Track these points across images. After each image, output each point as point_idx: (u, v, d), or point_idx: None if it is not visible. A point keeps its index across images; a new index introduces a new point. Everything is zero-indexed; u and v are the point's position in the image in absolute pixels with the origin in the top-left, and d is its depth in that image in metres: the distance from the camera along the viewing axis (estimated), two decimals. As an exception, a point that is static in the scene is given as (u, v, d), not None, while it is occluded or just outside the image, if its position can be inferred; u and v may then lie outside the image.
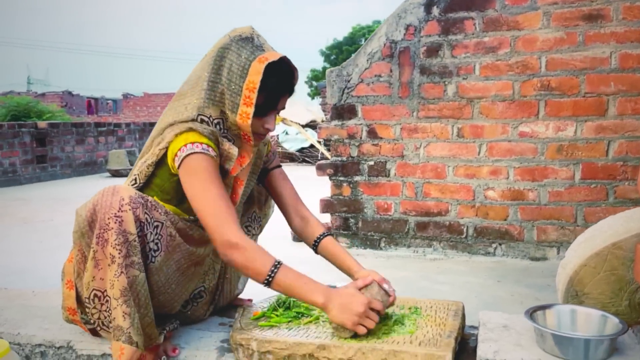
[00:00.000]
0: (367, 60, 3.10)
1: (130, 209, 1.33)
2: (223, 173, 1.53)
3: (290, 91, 1.53)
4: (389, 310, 1.58)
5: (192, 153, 1.39)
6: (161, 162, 1.47)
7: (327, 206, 3.27)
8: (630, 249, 1.46)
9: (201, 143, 1.41)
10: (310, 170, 8.08)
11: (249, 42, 1.47)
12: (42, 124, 7.64)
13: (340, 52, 37.59)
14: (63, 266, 1.55)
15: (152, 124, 10.55)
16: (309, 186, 6.24)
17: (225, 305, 1.79)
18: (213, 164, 1.42)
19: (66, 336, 1.61)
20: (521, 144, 2.87)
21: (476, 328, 1.60)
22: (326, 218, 3.50)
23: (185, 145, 1.40)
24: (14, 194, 6.35)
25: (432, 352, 1.29)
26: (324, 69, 38.62)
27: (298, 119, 10.25)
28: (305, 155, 9.96)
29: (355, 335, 1.38)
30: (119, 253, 1.30)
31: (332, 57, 38.35)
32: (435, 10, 2.95)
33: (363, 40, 36.76)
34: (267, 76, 1.43)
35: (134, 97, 27.01)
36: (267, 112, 1.49)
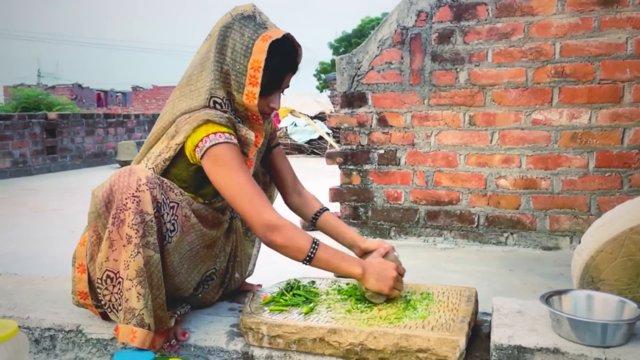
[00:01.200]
0: (378, 47, 3.06)
1: (147, 189, 1.32)
2: None
3: (294, 69, 1.51)
4: (403, 293, 1.57)
5: (216, 144, 1.38)
6: (178, 154, 1.45)
7: (336, 195, 3.25)
8: (649, 234, 1.42)
9: (223, 132, 1.40)
10: (318, 161, 8.06)
11: (251, 20, 1.45)
12: (52, 114, 7.67)
13: (350, 45, 37.44)
14: (74, 250, 1.54)
15: (161, 116, 10.54)
16: (318, 177, 6.24)
17: (235, 290, 1.78)
18: (238, 152, 1.42)
19: (75, 320, 1.60)
20: (534, 131, 2.82)
21: (489, 315, 1.57)
22: (336, 207, 3.48)
23: (207, 136, 1.39)
24: (25, 184, 6.39)
25: (445, 336, 1.27)
26: (333, 61, 38.53)
27: (307, 110, 10.22)
28: (313, 147, 9.93)
29: (372, 319, 1.40)
30: (136, 233, 1.29)
31: (341, 50, 38.23)
32: (447, -4, 2.91)
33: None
34: (270, 55, 1.42)
35: (143, 90, 27.09)
36: (272, 91, 1.48)
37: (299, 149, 10.01)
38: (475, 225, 2.98)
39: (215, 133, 1.39)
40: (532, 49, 2.78)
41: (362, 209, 3.20)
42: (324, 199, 3.33)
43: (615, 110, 2.67)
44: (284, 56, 1.45)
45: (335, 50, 38.70)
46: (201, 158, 1.40)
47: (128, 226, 1.30)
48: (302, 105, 10.29)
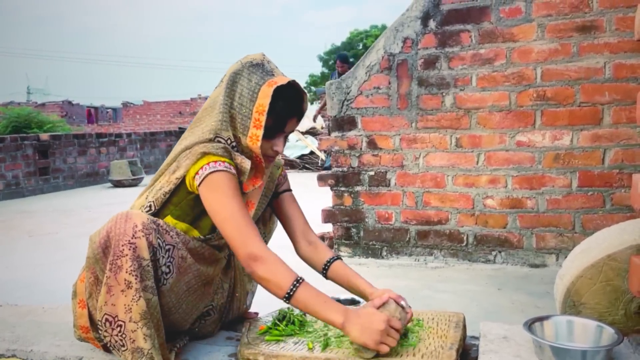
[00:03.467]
0: (366, 73, 3.16)
1: (143, 235, 1.37)
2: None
3: (298, 114, 1.58)
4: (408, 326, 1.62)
5: (214, 171, 1.44)
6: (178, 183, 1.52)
7: (328, 216, 3.32)
8: (625, 261, 1.50)
9: (223, 161, 1.47)
10: (310, 177, 8.13)
11: (259, 67, 1.53)
12: (44, 136, 7.70)
13: (339, 57, 37.74)
14: (74, 285, 1.59)
15: (153, 134, 10.61)
16: (309, 193, 6.30)
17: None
18: (234, 181, 1.47)
19: (78, 352, 1.65)
20: (519, 153, 2.92)
21: (477, 338, 1.64)
22: (328, 228, 3.55)
23: (207, 164, 1.45)
24: (18, 206, 6.40)
25: (434, 364, 1.33)
26: (323, 74, 38.77)
27: (298, 127, 10.27)
28: (305, 162, 10.01)
29: (378, 355, 1.37)
30: (135, 279, 1.34)
31: (330, 62, 38.50)
32: (432, 24, 3.01)
33: (361, 45, 36.87)
34: (276, 100, 1.49)
35: (133, 106, 27.08)
36: (276, 134, 1.54)
37: (290, 165, 10.08)
38: (464, 244, 3.06)
39: (215, 162, 1.46)
40: (515, 73, 2.89)
41: (354, 230, 3.27)
42: (316, 215, 3.39)
43: (596, 132, 2.77)
44: (288, 101, 1.52)
45: (325, 63, 38.99)
46: (199, 185, 1.46)
47: (126, 272, 1.34)
48: (293, 120, 10.33)
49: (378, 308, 1.43)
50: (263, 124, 1.48)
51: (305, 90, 1.59)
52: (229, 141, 1.52)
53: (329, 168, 6.91)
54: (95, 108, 32.57)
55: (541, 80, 2.85)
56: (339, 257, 1.69)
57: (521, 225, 2.95)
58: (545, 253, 2.92)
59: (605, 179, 2.78)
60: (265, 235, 1.88)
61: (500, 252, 3.00)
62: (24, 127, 14.50)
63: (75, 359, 1.64)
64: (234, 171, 1.47)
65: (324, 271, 1.68)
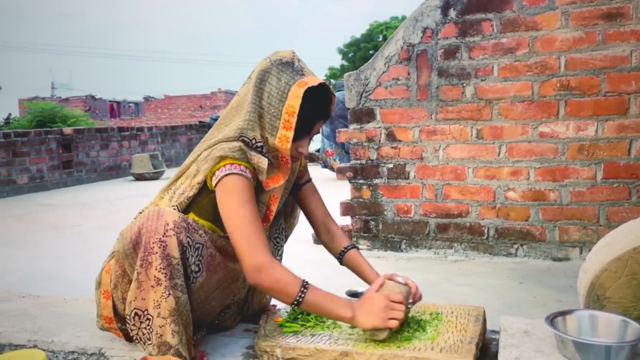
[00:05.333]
0: (385, 64, 3.12)
1: (174, 234, 1.38)
2: (258, 188, 1.58)
3: (326, 117, 1.56)
4: (413, 313, 1.61)
5: (230, 174, 1.43)
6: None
7: (347, 209, 3.30)
8: (651, 254, 1.46)
9: (239, 164, 1.45)
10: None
11: (289, 66, 1.50)
12: (67, 130, 7.81)
13: (358, 50, 37.50)
14: (99, 276, 1.60)
15: (174, 128, 10.70)
16: (329, 185, 6.29)
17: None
18: (249, 186, 1.45)
19: (97, 343, 1.67)
20: (541, 144, 2.86)
21: (498, 332, 1.61)
22: (347, 220, 3.53)
23: (224, 165, 1.44)
24: (42, 199, 6.52)
25: (453, 358, 1.31)
26: (342, 67, 38.59)
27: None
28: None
29: (384, 341, 1.41)
30: (165, 276, 1.36)
31: (350, 55, 38.29)
32: (452, 13, 2.96)
33: (381, 37, 36.60)
34: (304, 101, 1.46)
35: (155, 100, 27.35)
36: (302, 136, 1.53)
37: (309, 158, 10.07)
38: (485, 237, 3.01)
39: (231, 164, 1.44)
40: (537, 63, 2.82)
41: (372, 223, 3.25)
42: (333, 209, 3.37)
43: (622, 122, 2.70)
44: (317, 103, 1.50)
45: (344, 56, 38.78)
46: (215, 185, 1.46)
47: (156, 269, 1.36)
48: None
49: (377, 291, 1.47)
50: (294, 125, 1.46)
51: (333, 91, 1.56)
52: (253, 141, 1.50)
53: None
54: (118, 102, 32.98)
55: (565, 70, 2.78)
56: (354, 246, 1.75)
57: (544, 218, 2.89)
58: (568, 246, 2.87)
59: (631, 170, 2.71)
60: (286, 230, 1.88)
61: (522, 245, 2.95)
62: (49, 121, 14.77)
63: (95, 349, 1.65)
64: (249, 175, 1.46)
65: (340, 258, 1.75)
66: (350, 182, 3.29)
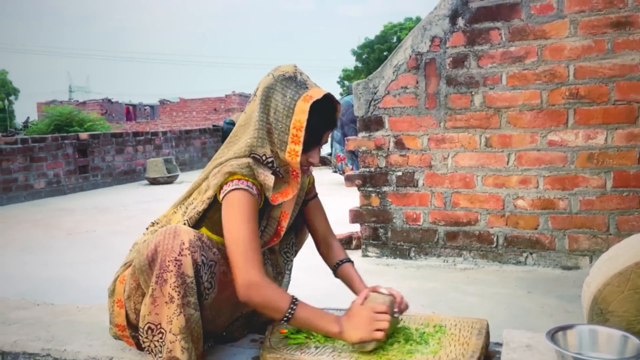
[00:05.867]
0: (393, 72, 3.14)
1: (189, 253, 1.42)
2: (269, 204, 1.62)
3: (332, 126, 1.60)
4: (417, 325, 1.63)
5: (236, 188, 1.48)
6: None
7: (356, 216, 3.32)
8: (654, 269, 1.46)
9: (247, 180, 1.50)
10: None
11: (292, 81, 1.54)
12: (83, 135, 7.94)
13: (372, 51, 37.52)
14: (112, 284, 1.65)
15: (188, 132, 10.80)
16: (340, 190, 6.31)
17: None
18: (253, 203, 1.49)
19: (109, 352, 1.71)
20: (550, 152, 2.86)
21: (501, 345, 1.63)
22: (356, 228, 3.56)
23: (232, 180, 1.49)
24: (59, 204, 6.63)
25: (453, 373, 1.33)
26: (356, 68, 38.59)
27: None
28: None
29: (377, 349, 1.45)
30: (178, 294, 1.40)
31: (364, 56, 38.31)
32: (460, 22, 2.97)
33: (395, 38, 36.52)
34: (311, 114, 1.50)
35: (170, 103, 27.62)
36: (312, 147, 1.57)
37: (322, 161, 10.11)
38: (494, 245, 3.01)
39: (239, 179, 1.49)
40: (546, 71, 2.82)
41: (381, 230, 3.26)
42: (343, 215, 3.40)
43: (631, 131, 2.69)
44: (324, 114, 1.54)
45: (358, 57, 38.79)
46: (222, 199, 1.50)
47: (170, 287, 1.40)
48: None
49: (362, 304, 1.51)
50: (302, 139, 1.50)
51: (338, 100, 1.60)
52: (264, 157, 1.55)
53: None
54: (134, 106, 33.35)
55: (574, 78, 2.78)
56: (349, 260, 1.81)
57: (553, 227, 2.89)
58: (578, 255, 2.86)
59: (641, 180, 2.69)
60: (297, 245, 1.92)
61: (531, 253, 2.94)
62: (66, 125, 15.01)
63: (106, 358, 1.70)
64: (255, 192, 1.50)
65: (334, 270, 1.80)
66: (359, 190, 3.31)
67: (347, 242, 3.56)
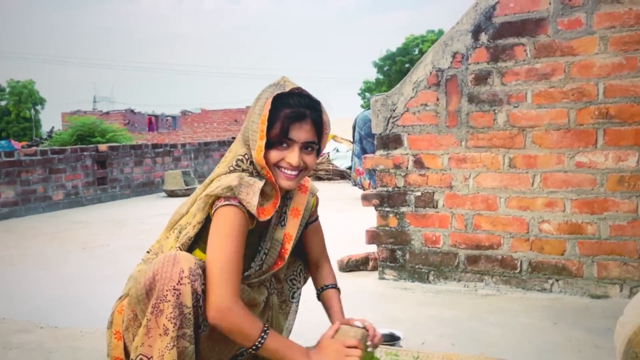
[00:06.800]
0: (413, 89, 3.03)
1: (189, 282, 1.35)
2: (269, 225, 1.57)
3: (312, 119, 1.50)
4: None
5: (227, 204, 1.43)
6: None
7: (373, 237, 3.21)
8: (698, 313, 1.32)
9: (235, 197, 1.44)
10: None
11: (273, 85, 1.53)
12: (102, 147, 7.96)
13: (394, 63, 37.41)
14: (111, 315, 1.58)
15: (207, 144, 10.80)
16: (358, 205, 6.18)
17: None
18: (241, 220, 1.44)
19: (107, 386, 1.63)
20: (578, 174, 2.71)
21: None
22: (372, 248, 3.44)
23: (224, 197, 1.44)
24: (76, 215, 6.63)
25: None
26: (377, 80, 38.51)
27: (349, 136, 10.21)
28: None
29: None
30: (174, 326, 1.33)
31: (385, 69, 38.20)
32: (484, 37, 2.86)
33: (417, 50, 36.38)
34: (278, 107, 1.47)
35: (191, 114, 27.84)
36: (285, 143, 1.49)
37: (341, 175, 10.01)
38: (517, 271, 2.87)
39: (230, 197, 1.44)
40: (574, 89, 2.69)
41: (399, 252, 3.14)
42: (361, 231, 3.29)
43: (666, 153, 2.54)
44: (290, 106, 1.48)
45: (380, 69, 38.70)
46: (212, 215, 1.46)
47: (166, 318, 1.33)
48: (344, 130, 10.30)
49: (332, 337, 1.47)
50: (264, 133, 1.46)
51: (315, 98, 1.54)
52: (245, 156, 1.53)
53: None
54: (156, 116, 33.72)
55: (604, 97, 2.64)
56: (334, 287, 1.75)
57: (581, 253, 2.74)
58: (607, 283, 2.70)
59: (676, 205, 2.53)
60: (305, 272, 1.88)
61: (557, 280, 2.79)
62: (88, 135, 15.16)
63: (104, 391, 1.62)
64: (244, 209, 1.45)
65: (318, 293, 1.76)
66: (376, 210, 3.20)
67: (364, 263, 3.44)
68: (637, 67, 2.57)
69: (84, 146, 7.81)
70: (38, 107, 46.24)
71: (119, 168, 8.11)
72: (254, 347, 1.37)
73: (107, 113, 29.17)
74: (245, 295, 1.52)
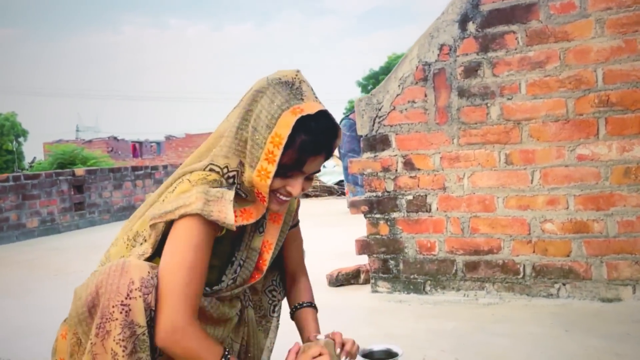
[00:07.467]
0: (399, 86, 2.84)
1: (140, 295, 1.11)
2: (250, 233, 1.35)
3: (327, 152, 1.24)
4: None
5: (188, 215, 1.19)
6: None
7: (363, 247, 2.97)
8: None
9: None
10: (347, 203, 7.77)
11: (287, 87, 1.22)
12: (79, 171, 7.68)
13: (377, 82, 37.62)
14: (55, 341, 1.34)
15: (190, 165, 10.53)
16: (346, 221, 5.96)
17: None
18: (205, 227, 1.19)
19: None
20: (580, 168, 2.51)
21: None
22: (364, 261, 3.21)
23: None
24: (52, 242, 6.32)
25: None
26: (361, 99, 38.64)
27: (335, 152, 10.03)
28: (343, 189, 9.69)
29: None
30: (124, 350, 1.09)
31: (369, 87, 38.43)
32: (471, 27, 2.67)
33: (399, 68, 36.66)
34: (298, 131, 1.17)
35: (175, 139, 27.61)
36: (291, 174, 1.23)
37: (328, 191, 9.80)
38: (521, 276, 2.65)
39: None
40: (571, 77, 2.51)
41: (392, 262, 2.91)
42: (351, 246, 3.06)
43: (674, 140, 2.35)
44: (314, 135, 1.19)
45: (364, 88, 38.91)
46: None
47: (114, 340, 1.09)
48: (330, 146, 10.10)
49: (298, 356, 1.27)
50: (277, 159, 1.17)
51: (338, 123, 1.26)
52: (225, 169, 1.24)
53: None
54: (140, 143, 33.39)
55: (603, 84, 2.46)
56: (310, 305, 1.52)
57: (588, 253, 2.52)
58: (619, 285, 2.48)
59: (689, 195, 2.34)
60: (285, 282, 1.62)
61: (564, 284, 2.57)
62: (69, 163, 14.86)
63: None
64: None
65: (292, 311, 1.53)
66: (365, 217, 2.97)
67: (355, 276, 3.20)
68: (638, 50, 2.39)
69: (60, 170, 7.52)
70: (20, 140, 45.71)
71: (98, 192, 7.81)
72: None
73: (90, 141, 28.83)
74: (213, 309, 1.28)
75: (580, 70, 2.49)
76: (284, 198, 1.27)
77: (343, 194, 9.63)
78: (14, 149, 43.67)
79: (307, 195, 9.72)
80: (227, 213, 1.18)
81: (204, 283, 1.20)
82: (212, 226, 1.20)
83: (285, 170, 1.21)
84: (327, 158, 1.27)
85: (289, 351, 1.28)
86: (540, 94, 2.56)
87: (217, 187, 1.22)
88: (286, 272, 1.56)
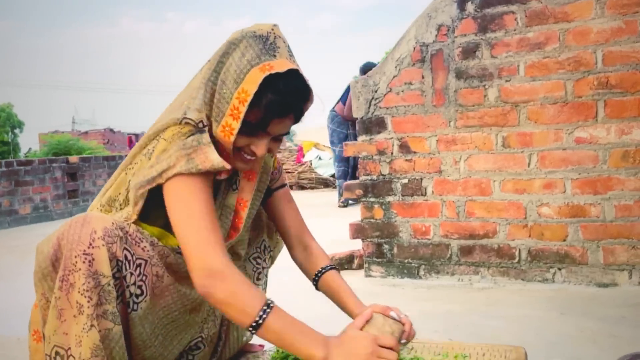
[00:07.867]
0: (396, 67, 2.79)
1: (104, 244, 1.06)
2: (222, 189, 1.30)
3: (296, 114, 1.20)
4: (427, 356, 1.24)
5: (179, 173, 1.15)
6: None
7: (357, 231, 2.94)
8: None
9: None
10: (345, 195, 7.71)
11: (261, 41, 1.17)
12: (73, 158, 7.61)
13: (375, 78, 37.61)
14: (31, 313, 1.29)
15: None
16: (342, 212, 5.94)
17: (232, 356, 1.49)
18: (202, 178, 1.16)
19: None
20: (578, 151, 2.48)
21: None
22: (357, 246, 3.17)
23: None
24: (44, 229, 6.26)
25: None
26: (359, 95, 38.59)
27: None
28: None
29: None
30: (89, 301, 1.04)
31: (366, 83, 38.39)
32: (470, 7, 2.63)
33: (397, 64, 36.59)
34: (265, 88, 1.13)
35: (172, 131, 27.57)
36: (257, 133, 1.19)
37: (324, 183, 9.75)
38: (516, 260, 2.61)
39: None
40: (570, 59, 2.47)
41: (386, 246, 2.87)
42: (345, 234, 3.03)
43: (673, 123, 2.32)
44: (281, 97, 1.15)
45: (361, 84, 38.84)
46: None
47: (78, 292, 1.04)
48: (327, 138, 10.06)
49: (362, 328, 1.14)
50: (242, 115, 1.14)
51: (310, 85, 1.21)
52: (200, 124, 1.20)
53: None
54: (136, 135, 33.30)
55: (603, 65, 2.42)
56: (333, 267, 1.39)
57: (584, 237, 2.49)
58: (615, 269, 2.45)
59: (688, 179, 2.31)
60: (272, 250, 1.56)
61: (560, 269, 2.54)
62: (64, 153, 14.81)
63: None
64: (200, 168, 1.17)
65: (315, 281, 1.40)
66: (360, 201, 2.93)
67: (349, 261, 3.16)
68: (638, 31, 2.36)
69: (53, 157, 7.45)
70: (16, 131, 45.53)
71: (92, 180, 7.74)
72: (253, 326, 1.06)
73: (86, 133, 28.73)
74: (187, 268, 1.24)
75: (580, 52, 2.46)
76: (249, 157, 1.23)
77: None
78: (10, 140, 43.52)
79: (302, 187, 9.68)
80: (211, 158, 1.15)
81: (219, 229, 1.16)
82: (205, 174, 1.17)
83: (250, 128, 1.17)
84: (296, 121, 1.23)
85: (361, 314, 1.18)
86: (538, 75, 2.53)
87: (191, 136, 1.18)
88: (289, 240, 1.45)
